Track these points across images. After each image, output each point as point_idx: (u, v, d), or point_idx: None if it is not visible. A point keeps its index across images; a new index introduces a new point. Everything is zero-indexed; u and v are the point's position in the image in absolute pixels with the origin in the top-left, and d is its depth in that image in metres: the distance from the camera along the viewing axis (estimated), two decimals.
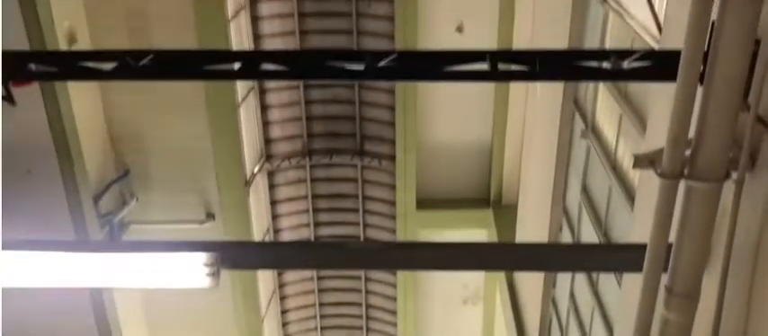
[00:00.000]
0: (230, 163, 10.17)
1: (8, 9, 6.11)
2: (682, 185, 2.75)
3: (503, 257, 3.83)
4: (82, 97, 8.09)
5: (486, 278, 12.53)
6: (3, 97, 3.56)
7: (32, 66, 3.53)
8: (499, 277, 10.90)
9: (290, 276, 15.72)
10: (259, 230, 12.83)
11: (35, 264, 3.82)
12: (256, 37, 11.56)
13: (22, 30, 6.23)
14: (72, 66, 3.58)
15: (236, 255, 3.84)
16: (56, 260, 3.81)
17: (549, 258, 3.85)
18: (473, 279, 12.82)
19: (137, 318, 10.51)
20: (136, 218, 10.04)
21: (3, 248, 3.79)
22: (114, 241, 9.21)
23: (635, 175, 4.73)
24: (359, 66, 3.28)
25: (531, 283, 8.68)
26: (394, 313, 14.74)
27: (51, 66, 3.62)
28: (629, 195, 4.86)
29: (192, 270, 3.84)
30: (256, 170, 12.66)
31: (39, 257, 3.80)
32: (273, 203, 14.22)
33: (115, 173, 9.69)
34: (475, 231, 11.87)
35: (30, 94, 5.85)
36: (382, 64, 3.30)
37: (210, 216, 10.34)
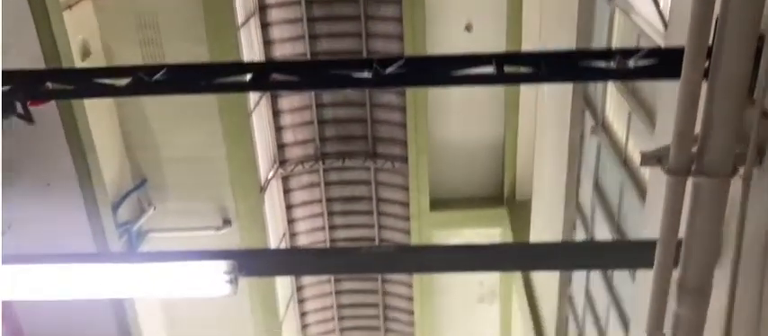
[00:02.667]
0: (245, 170, 10.27)
1: (24, 26, 6.22)
2: (690, 181, 2.77)
3: (515, 257, 3.87)
4: (98, 110, 8.21)
5: (501, 277, 12.54)
6: (20, 116, 3.64)
7: (49, 85, 3.62)
8: (515, 275, 10.91)
9: (308, 279, 15.81)
10: (275, 235, 12.92)
11: (56, 277, 3.91)
12: (266, 43, 11.65)
13: (36, 46, 6.33)
14: (88, 83, 3.66)
15: (253, 263, 3.90)
16: (77, 272, 3.89)
17: (561, 257, 3.87)
18: (488, 278, 12.83)
19: (156, 325, 10.64)
20: (154, 226, 10.16)
21: (23, 262, 3.88)
22: (133, 249, 9.34)
23: (646, 171, 4.74)
24: (367, 75, 3.34)
25: (546, 280, 8.69)
26: (411, 313, 14.78)
27: (68, 84, 3.70)
28: (641, 191, 4.87)
29: (211, 279, 3.90)
30: (270, 175, 12.75)
31: (59, 270, 3.89)
32: (288, 208, 14.30)
33: (132, 183, 9.81)
34: (489, 230, 11.87)
35: (47, 108, 5.95)
36: (390, 70, 3.35)
37: (227, 222, 10.44)
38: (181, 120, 9.48)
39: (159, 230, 10.24)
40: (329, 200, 14.60)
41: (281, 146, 13.59)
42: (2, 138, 6.48)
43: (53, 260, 3.86)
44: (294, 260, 4.06)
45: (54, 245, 3.89)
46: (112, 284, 3.94)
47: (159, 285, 3.96)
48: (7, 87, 3.52)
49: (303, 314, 16.13)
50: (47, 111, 6.04)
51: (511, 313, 12.34)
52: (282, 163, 13.72)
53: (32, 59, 5.83)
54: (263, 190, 11.73)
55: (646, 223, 4.46)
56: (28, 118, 3.67)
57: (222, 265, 3.88)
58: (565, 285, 7.73)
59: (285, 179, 13.95)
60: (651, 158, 2.88)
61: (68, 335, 7.99)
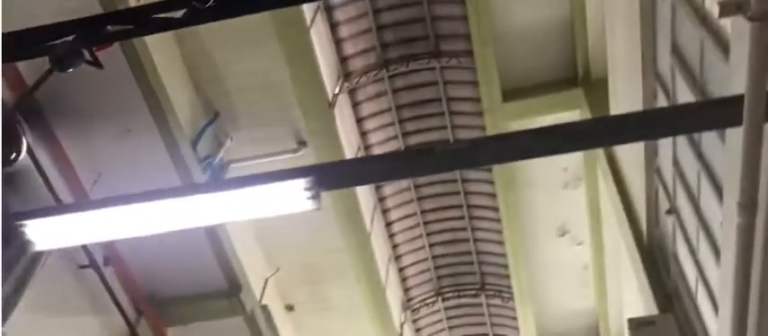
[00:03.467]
0: (311, 89, 10.31)
1: None
2: None
3: (597, 132, 3.73)
4: (161, 50, 8.34)
5: (584, 159, 12.28)
6: (89, 62, 3.73)
7: (110, 28, 3.67)
8: (598, 154, 10.66)
9: (388, 189, 16.04)
10: (350, 150, 13.07)
11: (150, 213, 4.08)
12: None
13: None
14: (146, 19, 3.69)
15: (331, 175, 3.94)
16: (168, 206, 4.05)
17: (645, 125, 3.70)
18: (571, 162, 12.58)
19: (250, 246, 11.12)
20: (233, 157, 10.46)
21: (119, 204, 4.06)
22: (217, 181, 9.67)
23: (727, 23, 4.42)
24: None
25: (631, 155, 8.45)
26: (496, 209, 14.79)
27: (127, 23, 3.74)
28: (723, 46, 4.56)
29: (293, 196, 3.98)
30: (337, 90, 12.78)
31: (153, 206, 4.05)
32: (359, 121, 14.39)
33: (206, 118, 10.05)
34: (567, 113, 11.52)
35: (113, 56, 6.07)
36: None
37: (302, 143, 10.60)
38: (241, 49, 9.53)
39: (239, 160, 10.53)
40: (399, 108, 14.57)
41: (343, 60, 13.53)
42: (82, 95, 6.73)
43: (145, 198, 4.02)
44: (370, 168, 4.07)
45: (143, 188, 4.03)
46: (202, 213, 4.09)
47: (244, 208, 4.08)
48: (72, 37, 3.60)
49: (388, 224, 16.49)
50: (114, 59, 6.18)
51: (598, 195, 12.14)
52: (347, 76, 13.70)
53: (87, 4, 5.88)
54: (331, 106, 11.79)
55: (731, 80, 4.19)
56: (97, 63, 3.76)
57: (301, 182, 3.95)
58: (651, 157, 7.50)
59: (352, 92, 13.97)
60: (731, 7, 2.68)
61: (172, 267, 8.49)
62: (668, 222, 7.21)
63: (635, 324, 7.19)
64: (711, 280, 5.85)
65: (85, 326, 7.65)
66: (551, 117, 11.11)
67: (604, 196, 11.24)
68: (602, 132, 3.73)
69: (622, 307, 12.02)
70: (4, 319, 6.29)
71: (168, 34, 8.98)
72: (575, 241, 13.82)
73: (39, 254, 6.79)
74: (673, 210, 6.91)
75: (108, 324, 7.90)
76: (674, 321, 7.09)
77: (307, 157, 10.35)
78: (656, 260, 7.93)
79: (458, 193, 16.43)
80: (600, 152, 10.23)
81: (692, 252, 6.34)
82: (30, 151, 5.84)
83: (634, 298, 9.49)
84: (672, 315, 7.18)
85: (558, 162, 12.56)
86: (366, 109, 14.50)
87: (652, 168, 7.58)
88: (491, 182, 14.52)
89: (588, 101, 11.37)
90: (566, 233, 13.93)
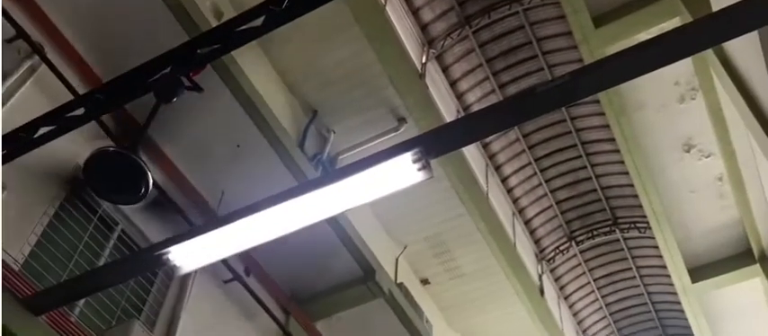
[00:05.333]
0: (399, 64, 10.29)
1: (158, 10, 6.61)
2: None
3: (698, 34, 3.49)
4: (251, 62, 8.62)
5: (695, 67, 11.54)
6: (189, 88, 3.92)
7: (199, 51, 3.83)
8: (709, 59, 9.98)
9: (496, 145, 15.84)
10: (449, 115, 13.00)
11: (276, 216, 4.26)
12: None
13: (176, 25, 6.71)
14: (230, 35, 3.82)
15: (436, 142, 3.93)
16: (290, 206, 4.20)
17: (752, 14, 3.42)
18: (681, 74, 11.86)
19: (376, 233, 11.34)
20: (340, 149, 10.66)
21: (246, 215, 4.26)
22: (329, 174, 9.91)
23: None
24: None
25: (746, 50, 7.86)
26: (612, 140, 14.23)
27: (214, 43, 3.90)
28: None
29: (403, 171, 4.02)
30: (424, 60, 12.73)
31: (276, 210, 4.22)
32: (452, 84, 14.28)
33: (306, 118, 10.30)
34: (666, 24, 10.84)
35: (208, 80, 6.35)
36: None
37: (402, 120, 10.62)
38: (323, 42, 9.66)
39: (346, 151, 10.72)
40: (489, 61, 14.32)
41: (423, 27, 13.45)
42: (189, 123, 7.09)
43: (268, 204, 4.20)
44: (473, 125, 4.02)
45: (263, 196, 4.22)
46: (321, 206, 4.22)
47: (360, 193, 4.16)
48: (168, 68, 3.79)
49: (504, 180, 16.29)
50: (209, 81, 6.46)
51: (718, 101, 11.38)
52: (431, 42, 13.61)
53: (176, 36, 6.18)
54: (421, 76, 11.74)
55: None
56: (197, 87, 3.94)
57: (408, 155, 3.97)
58: None
59: (439, 57, 13.87)
60: None
61: (307, 266, 8.83)
62: None
63: None
64: None
65: (242, 332, 8.14)
66: (650, 32, 10.50)
67: (725, 100, 10.53)
68: (705, 32, 3.49)
69: None
70: None
71: (254, 45, 9.26)
72: (703, 153, 13.05)
73: (187, 275, 7.28)
74: None
75: (261, 328, 8.35)
76: None
77: (409, 132, 10.37)
78: None
79: (569, 133, 15.96)
80: (711, 56, 9.56)
81: None
82: (155, 184, 6.25)
83: None
84: None
85: (666, 77, 11.86)
86: (457, 70, 14.34)
87: None
88: (601, 114, 14.00)
89: (686, 5, 10.63)
90: (691, 148, 13.17)
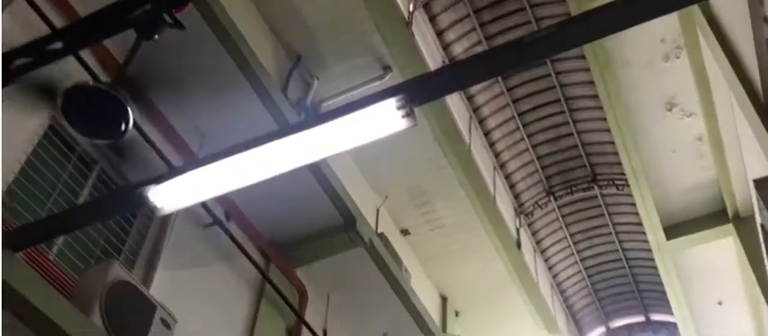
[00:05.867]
0: (385, 11, 10.16)
1: None
2: None
3: None
4: (236, 6, 8.45)
5: (682, 25, 11.52)
6: (171, 25, 3.83)
7: None
8: (696, 16, 9.97)
9: (481, 98, 15.82)
10: (435, 65, 12.92)
11: (257, 159, 4.23)
12: None
13: None
14: None
15: (421, 89, 3.90)
16: (272, 149, 4.17)
17: None
18: (668, 31, 11.85)
19: (358, 182, 11.36)
20: (324, 96, 10.58)
21: (226, 156, 4.23)
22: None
23: None
24: None
25: (734, 10, 7.85)
26: (595, 96, 14.28)
27: None
28: None
29: (387, 117, 3.98)
30: (412, 8, 12.56)
31: (258, 152, 4.19)
32: (439, 34, 14.15)
33: (290, 63, 10.18)
34: None
35: (190, 18, 6.21)
36: None
37: (387, 68, 10.55)
38: None
39: (329, 98, 10.64)
40: (477, 12, 14.18)
41: None
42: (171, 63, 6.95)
43: (249, 146, 4.16)
44: (459, 73, 3.99)
45: (244, 139, 4.18)
46: (303, 151, 4.18)
47: (343, 139, 4.12)
48: (149, 4, 3.70)
49: (487, 133, 16.31)
50: (192, 21, 6.33)
51: (703, 61, 11.41)
52: None
53: None
54: (408, 24, 11.61)
55: None
56: (179, 24, 3.86)
57: (392, 101, 3.94)
58: (756, 6, 6.94)
59: (427, 6, 13.70)
60: None
61: (288, 212, 8.84)
62: None
63: (760, 183, 6.86)
64: None
65: (221, 277, 8.18)
66: None
67: (710, 60, 10.56)
68: None
69: (745, 172, 11.44)
70: (150, 280, 6.82)
71: None
72: (684, 112, 13.15)
73: (166, 218, 7.26)
74: None
75: (241, 272, 8.40)
76: None
77: (394, 80, 10.29)
78: None
79: (553, 88, 15.95)
80: (698, 14, 9.55)
81: None
82: (135, 123, 6.17)
83: (755, 159, 9.00)
84: None
85: (653, 33, 11.87)
86: (445, 19, 14.19)
87: (759, 17, 7.02)
88: (586, 70, 13.98)
89: None
90: (674, 106, 13.26)
